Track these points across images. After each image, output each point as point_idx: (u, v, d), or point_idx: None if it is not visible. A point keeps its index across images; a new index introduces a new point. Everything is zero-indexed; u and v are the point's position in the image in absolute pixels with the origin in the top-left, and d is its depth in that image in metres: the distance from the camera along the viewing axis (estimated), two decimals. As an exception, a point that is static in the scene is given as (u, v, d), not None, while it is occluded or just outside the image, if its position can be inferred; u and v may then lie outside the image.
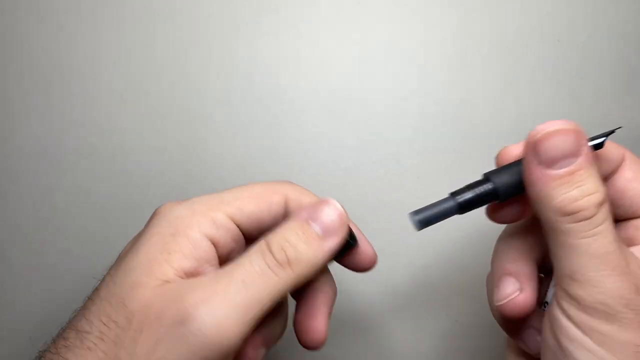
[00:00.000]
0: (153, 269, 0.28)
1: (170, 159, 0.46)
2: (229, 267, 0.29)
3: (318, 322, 0.32)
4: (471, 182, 0.30)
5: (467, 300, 0.47)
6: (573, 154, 0.28)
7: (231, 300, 0.27)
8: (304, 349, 0.32)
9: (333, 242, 0.30)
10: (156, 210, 0.31)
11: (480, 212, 0.32)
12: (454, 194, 0.30)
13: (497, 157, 0.31)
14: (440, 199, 0.30)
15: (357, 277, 0.48)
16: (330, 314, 0.34)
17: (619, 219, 0.32)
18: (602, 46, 0.46)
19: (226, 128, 0.46)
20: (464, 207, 0.30)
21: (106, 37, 0.45)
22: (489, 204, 0.31)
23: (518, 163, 0.30)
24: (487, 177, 0.30)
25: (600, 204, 0.27)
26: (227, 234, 0.31)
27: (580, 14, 0.46)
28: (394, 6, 0.45)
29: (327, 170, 0.47)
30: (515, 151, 0.30)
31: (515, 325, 0.34)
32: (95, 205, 0.47)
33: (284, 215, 0.32)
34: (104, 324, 0.27)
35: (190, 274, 0.29)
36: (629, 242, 0.31)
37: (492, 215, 0.33)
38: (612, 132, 0.30)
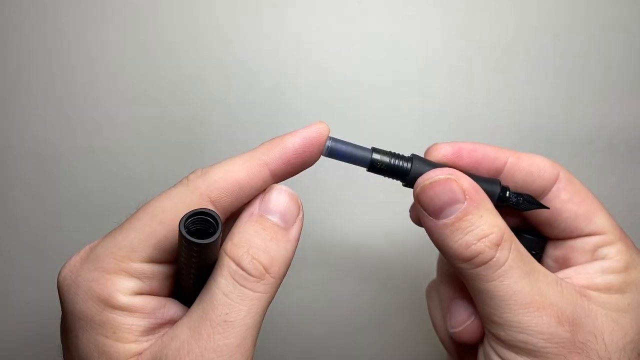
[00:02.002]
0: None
1: (170, 159, 0.46)
2: (202, 307, 0.25)
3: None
4: (398, 153, 0.30)
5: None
6: (455, 201, 0.27)
7: (225, 350, 0.24)
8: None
9: (297, 229, 0.27)
10: (59, 280, 0.27)
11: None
12: (374, 150, 0.30)
13: (425, 153, 0.31)
14: (364, 146, 0.30)
15: (358, 277, 0.48)
16: None
17: (555, 238, 0.32)
18: (602, 46, 0.46)
19: (226, 128, 0.46)
20: (373, 167, 0.29)
21: (106, 37, 0.45)
22: (397, 180, 0.30)
23: (445, 166, 0.29)
24: (411, 158, 0.30)
25: (498, 244, 0.27)
26: (156, 278, 0.27)
27: (581, 13, 0.46)
28: (395, 6, 0.45)
29: (327, 170, 0.47)
30: (442, 151, 0.30)
31: (464, 349, 0.33)
32: (95, 205, 0.47)
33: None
34: None
35: (151, 330, 0.26)
36: (563, 263, 0.31)
37: (412, 214, 0.33)
38: (525, 206, 0.30)
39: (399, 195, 0.48)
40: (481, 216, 0.27)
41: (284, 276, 0.27)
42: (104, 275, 0.26)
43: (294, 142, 0.28)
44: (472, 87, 0.46)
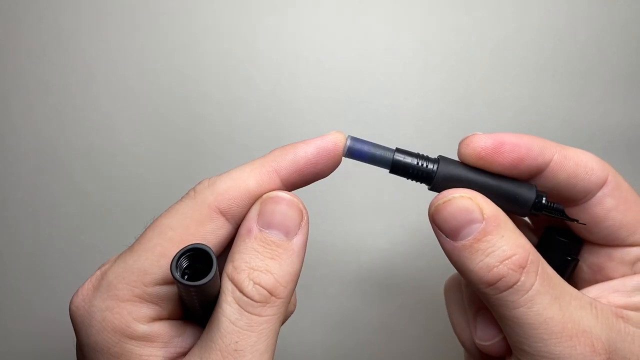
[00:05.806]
0: None
1: (170, 159, 0.46)
2: (211, 336, 0.24)
3: None
4: (423, 154, 0.27)
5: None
6: (472, 221, 0.25)
7: None
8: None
9: (300, 239, 0.25)
10: (72, 309, 0.25)
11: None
12: (398, 150, 0.27)
13: (461, 144, 0.28)
14: (386, 146, 0.27)
15: (358, 278, 0.48)
16: None
17: (593, 243, 0.29)
18: (602, 46, 0.46)
19: (226, 128, 0.46)
20: (396, 168, 0.27)
21: (106, 38, 0.45)
22: (421, 183, 0.28)
23: (476, 170, 0.27)
24: (437, 160, 0.27)
25: (523, 266, 0.25)
26: (172, 299, 0.25)
27: (581, 13, 0.46)
28: (395, 6, 0.45)
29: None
30: (480, 143, 0.26)
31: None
32: (95, 205, 0.47)
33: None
34: None
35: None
36: (598, 271, 0.29)
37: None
38: (557, 215, 0.27)
39: (397, 195, 0.48)
40: (502, 236, 0.25)
41: (292, 291, 0.25)
42: (119, 304, 0.24)
43: (306, 151, 0.26)
44: (472, 87, 0.46)
